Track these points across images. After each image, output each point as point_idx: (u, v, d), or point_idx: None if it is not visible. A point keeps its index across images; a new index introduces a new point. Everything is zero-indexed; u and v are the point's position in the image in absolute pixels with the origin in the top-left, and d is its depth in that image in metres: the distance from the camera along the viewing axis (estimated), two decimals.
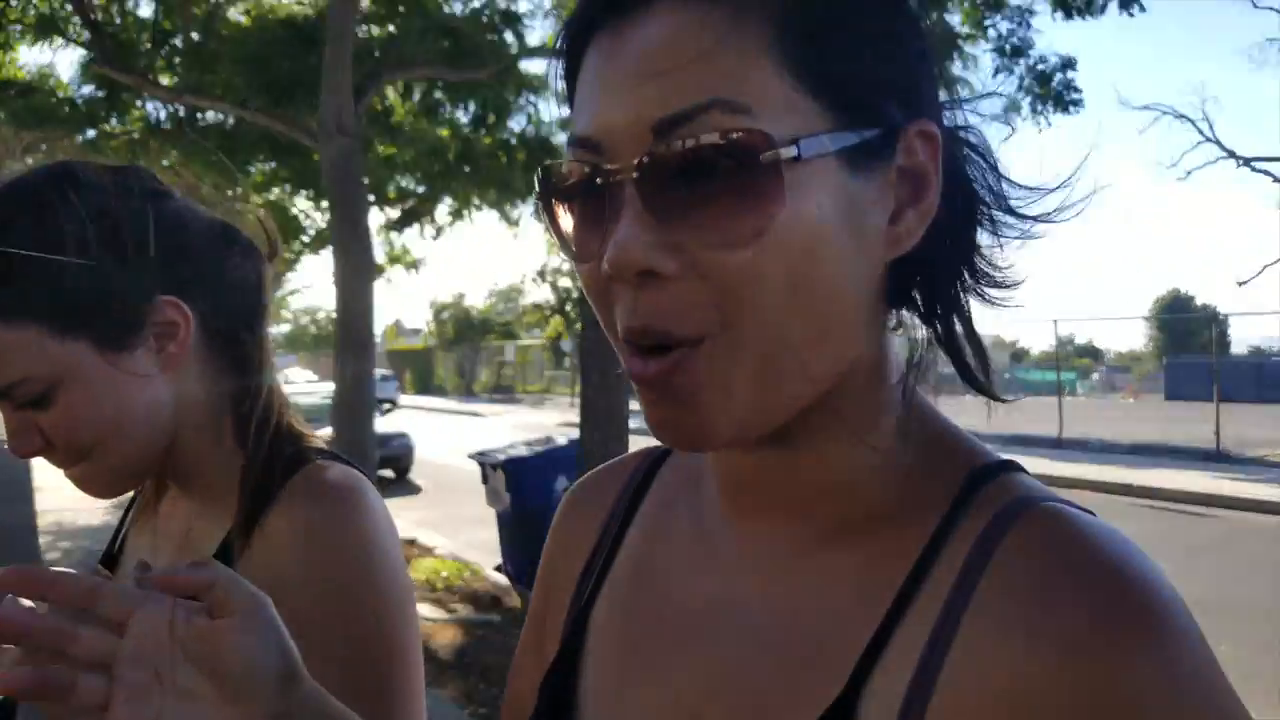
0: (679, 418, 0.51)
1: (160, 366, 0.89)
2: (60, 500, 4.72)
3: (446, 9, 9.07)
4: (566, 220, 0.54)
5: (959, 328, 0.56)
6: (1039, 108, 8.09)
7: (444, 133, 9.87)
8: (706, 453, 0.62)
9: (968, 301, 0.56)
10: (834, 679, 0.49)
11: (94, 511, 8.45)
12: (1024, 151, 0.59)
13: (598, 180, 0.50)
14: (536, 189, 0.56)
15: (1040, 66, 8.09)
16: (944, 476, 0.53)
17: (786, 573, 0.55)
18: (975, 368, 0.57)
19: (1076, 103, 8.09)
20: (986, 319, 0.58)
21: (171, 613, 0.55)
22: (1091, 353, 69.99)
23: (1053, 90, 8.05)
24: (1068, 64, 8.13)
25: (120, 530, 1.08)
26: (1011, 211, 0.56)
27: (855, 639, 0.50)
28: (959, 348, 0.56)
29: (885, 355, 0.56)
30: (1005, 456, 0.55)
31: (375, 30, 8.94)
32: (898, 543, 0.52)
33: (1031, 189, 0.56)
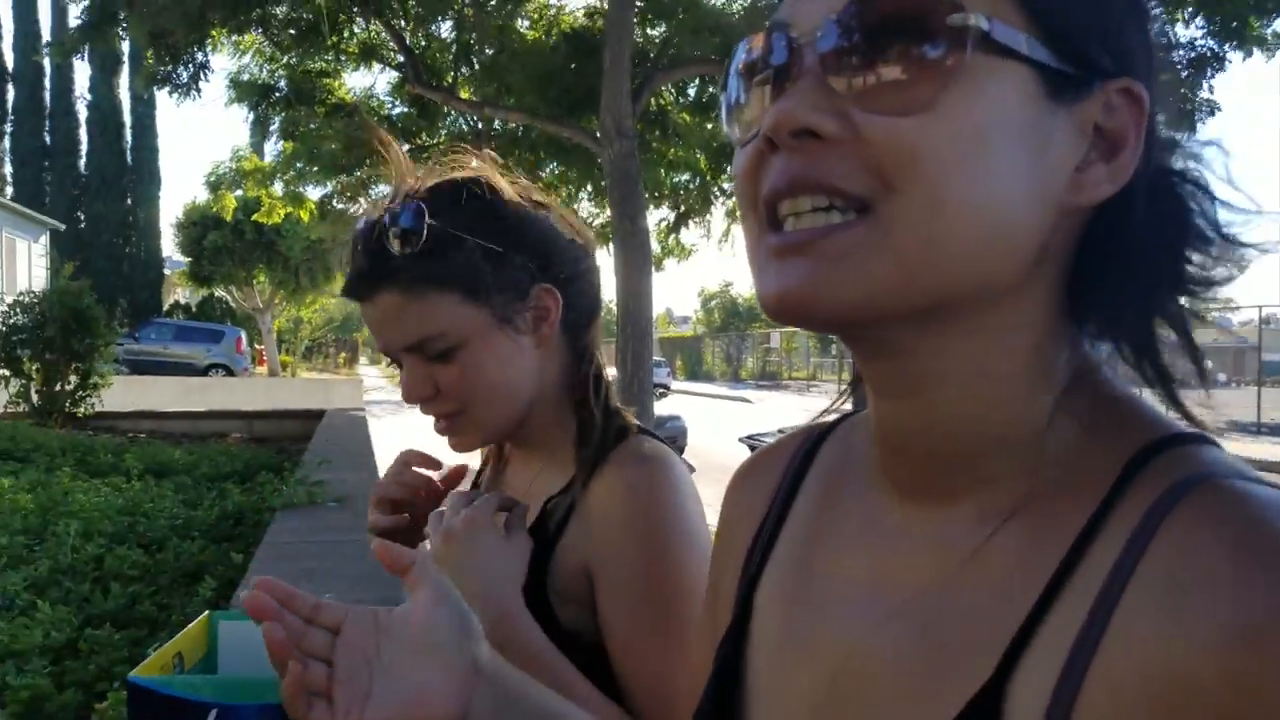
0: (813, 286, 0.47)
1: (533, 344, 1.04)
2: None
3: (717, 4, 9.31)
4: (742, 99, 0.53)
5: (1158, 331, 0.52)
6: None
7: (717, 130, 10.13)
8: (861, 423, 0.63)
9: (1171, 302, 0.52)
10: (982, 665, 0.46)
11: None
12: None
13: (777, 52, 0.49)
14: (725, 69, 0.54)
15: None
16: (1116, 446, 0.49)
17: (942, 550, 0.53)
18: (1183, 375, 0.52)
19: None
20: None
21: (374, 612, 0.66)
22: None
23: None
24: None
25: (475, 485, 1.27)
26: (1223, 236, 0.51)
27: (1007, 622, 0.47)
28: (1152, 357, 0.52)
29: (1051, 311, 0.51)
30: (1193, 430, 0.50)
31: (650, 31, 9.33)
32: (1058, 517, 0.48)
33: (1247, 211, 0.51)
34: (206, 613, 1.13)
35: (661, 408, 12.72)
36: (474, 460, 1.20)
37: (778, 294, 0.49)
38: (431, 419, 1.07)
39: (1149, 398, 0.53)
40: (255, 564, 2.86)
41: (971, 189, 0.46)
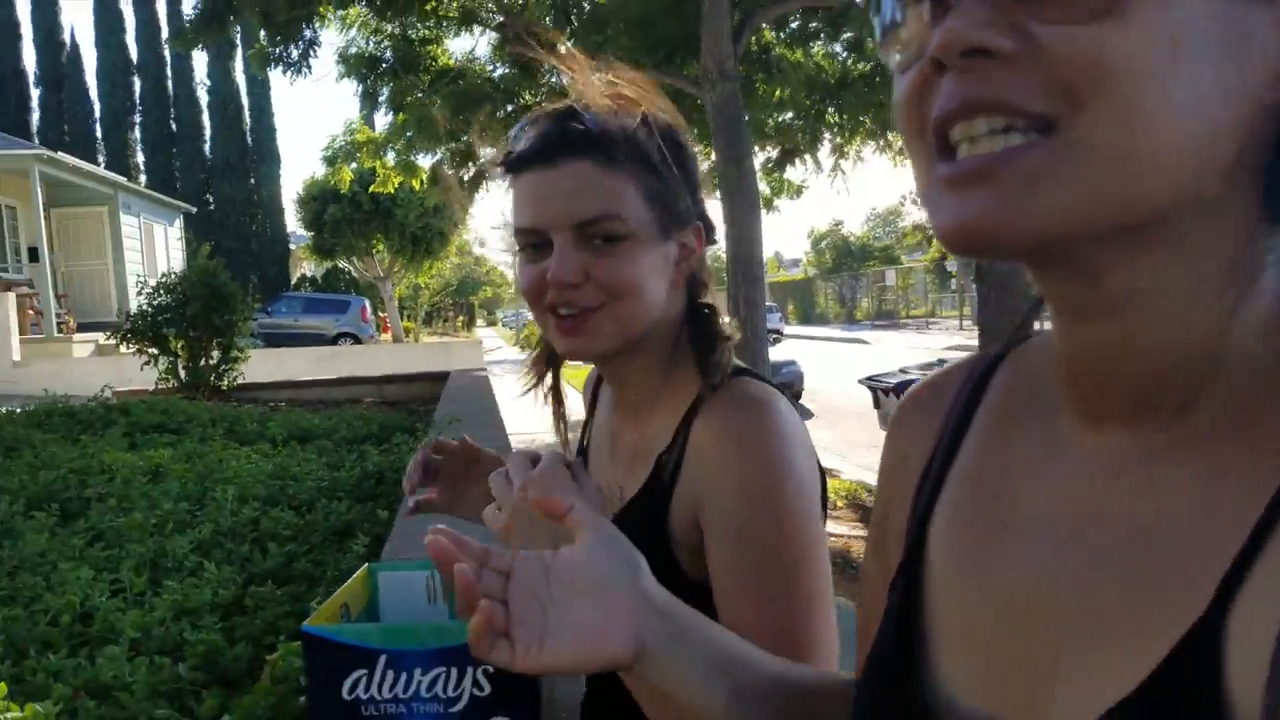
0: (998, 214, 0.44)
1: (673, 273, 1.04)
2: (517, 426, 5.56)
3: None
4: (898, 18, 0.50)
5: None
6: None
7: (821, 63, 9.86)
8: (1043, 347, 0.59)
9: None
10: (1193, 599, 0.44)
11: (549, 432, 9.76)
12: None
13: None
14: None
15: None
16: None
17: (1135, 479, 0.50)
18: None
19: None
20: None
21: (541, 555, 0.67)
22: None
23: None
24: None
25: (582, 449, 1.27)
26: None
27: (1218, 553, 0.44)
28: None
29: (1251, 220, 0.47)
30: None
31: None
32: (1264, 444, 0.45)
33: None
34: (366, 565, 1.20)
35: (775, 353, 12.63)
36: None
37: (957, 226, 0.46)
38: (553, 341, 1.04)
39: None
40: (399, 520, 2.99)
41: (1167, 98, 0.42)
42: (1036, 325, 0.62)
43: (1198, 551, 0.46)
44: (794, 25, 9.84)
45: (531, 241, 1.02)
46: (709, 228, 1.09)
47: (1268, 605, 0.42)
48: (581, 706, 1.22)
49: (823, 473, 1.03)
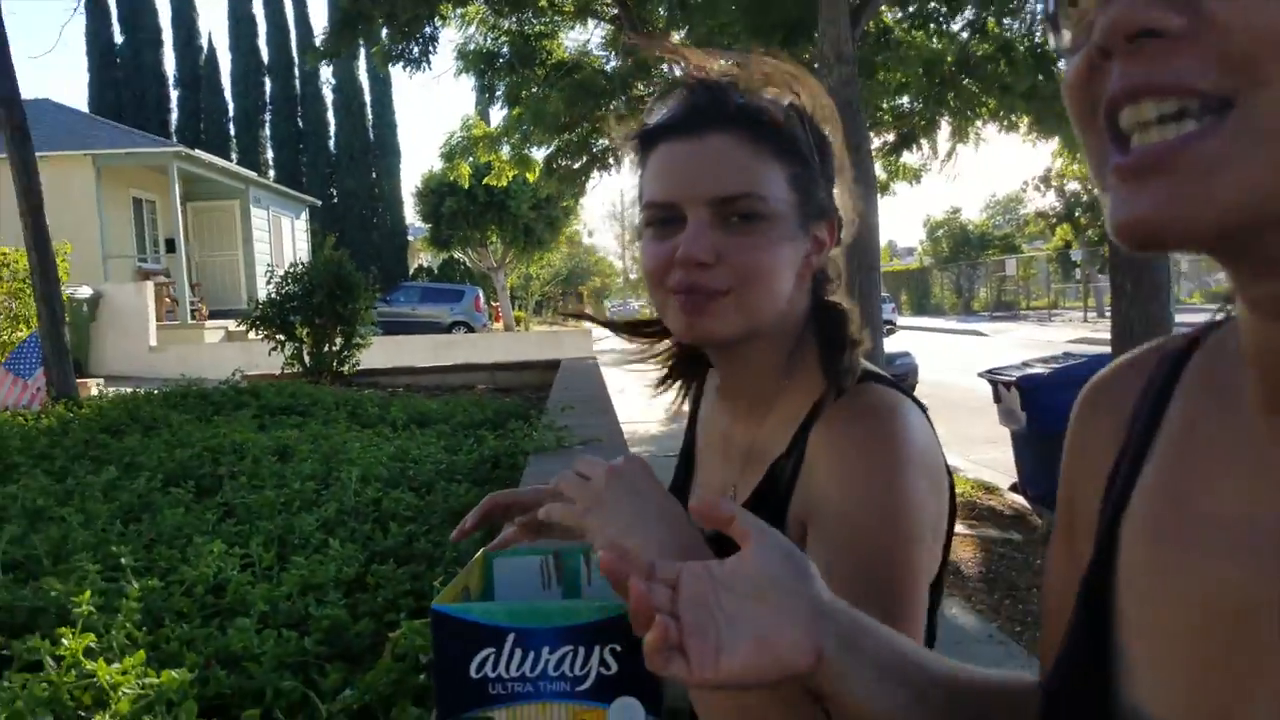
0: (1175, 208, 0.42)
1: (803, 266, 0.98)
2: (628, 414, 5.56)
3: None
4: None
5: None
6: None
7: (941, 44, 9.56)
8: (1239, 341, 0.55)
9: None
10: None
11: (655, 423, 9.78)
12: None
13: None
14: None
15: None
16: None
17: None
18: None
19: None
20: None
21: (707, 565, 0.65)
22: None
23: None
24: None
25: (689, 446, 1.21)
26: None
27: None
28: None
29: None
30: None
31: None
32: None
33: None
34: (481, 552, 1.20)
35: (889, 345, 12.36)
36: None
37: (1127, 223, 0.43)
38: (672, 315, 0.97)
39: None
40: None
41: None
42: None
43: None
44: (912, 8, 9.57)
45: (661, 216, 0.96)
46: (841, 223, 1.02)
47: None
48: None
49: (952, 487, 0.96)
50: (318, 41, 9.73)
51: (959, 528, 6.17)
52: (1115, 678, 0.56)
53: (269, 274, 9.81)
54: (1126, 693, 0.55)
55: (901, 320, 33.27)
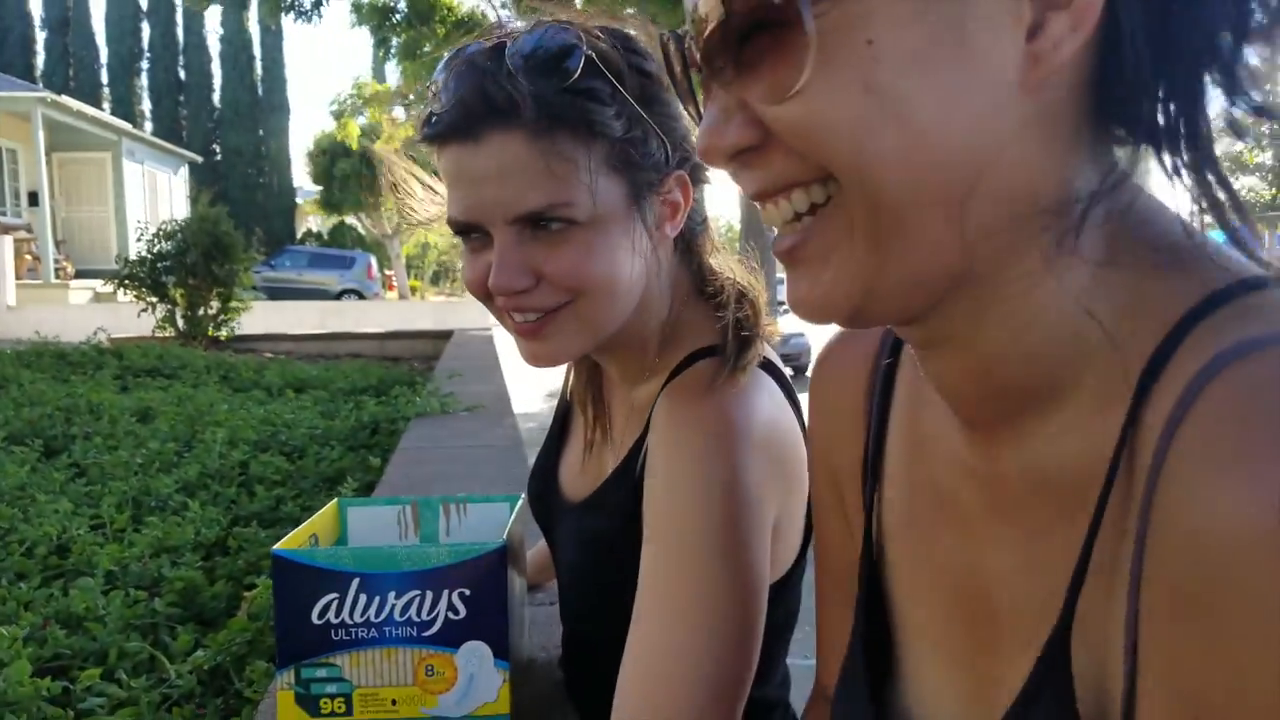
0: (809, 289, 0.46)
1: (654, 241, 0.87)
2: (516, 384, 5.48)
3: None
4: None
5: (1187, 157, 0.42)
6: None
7: None
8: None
9: (1202, 126, 0.42)
10: (1057, 585, 0.45)
11: (544, 393, 9.70)
12: None
13: (680, 62, 0.49)
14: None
15: None
16: (1157, 314, 0.42)
17: (1006, 475, 0.50)
18: (1226, 207, 0.42)
19: None
20: None
21: None
22: None
23: None
24: None
25: (565, 408, 1.13)
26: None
27: (1071, 539, 0.44)
28: (1201, 179, 0.42)
29: (1067, 173, 0.44)
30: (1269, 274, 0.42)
31: None
32: (1106, 416, 0.43)
33: None
34: (336, 499, 1.14)
35: (784, 325, 12.53)
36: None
37: (792, 305, 0.48)
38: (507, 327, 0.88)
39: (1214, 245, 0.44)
40: (391, 467, 2.92)
41: (898, 149, 0.41)
42: None
43: (1055, 540, 0.46)
44: None
45: (467, 233, 0.85)
46: (696, 169, 0.90)
47: (1108, 585, 0.42)
48: (560, 662, 1.14)
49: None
50: None
51: None
52: (893, 671, 0.59)
53: (140, 232, 9.31)
54: (904, 685, 0.58)
55: None
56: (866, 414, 0.63)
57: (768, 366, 0.88)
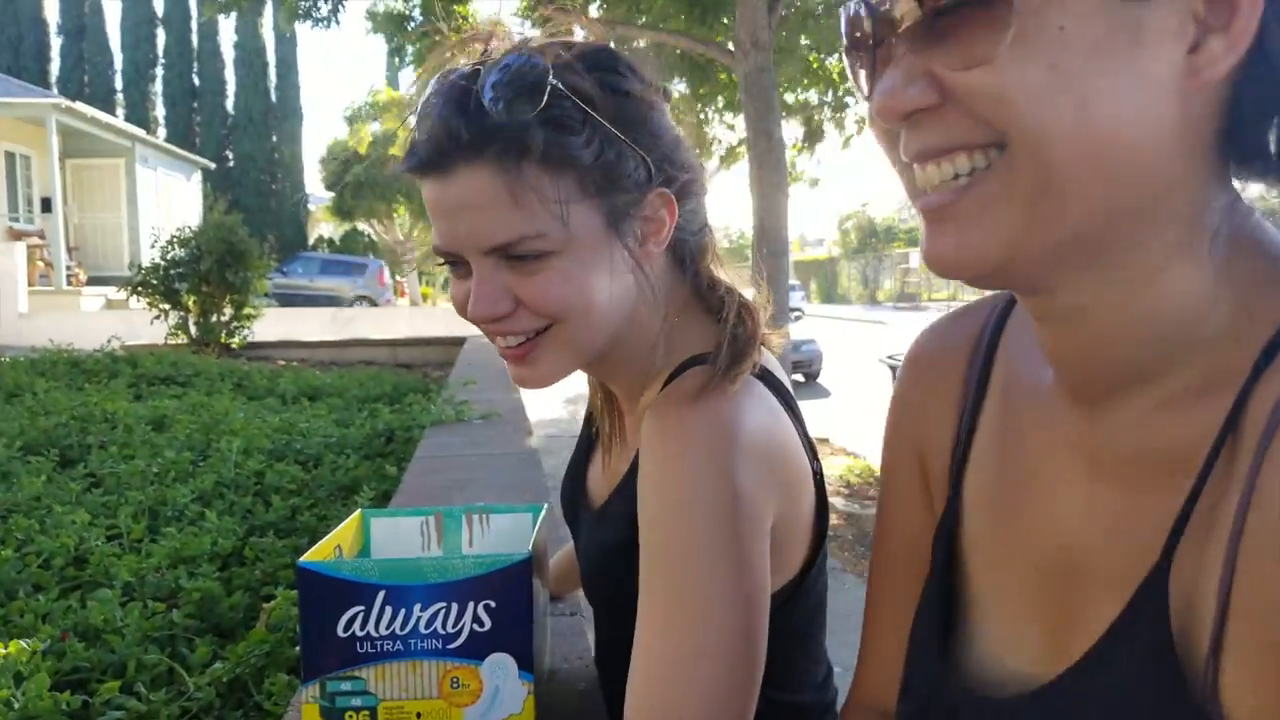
0: (955, 244, 0.50)
1: (637, 259, 0.87)
2: (532, 393, 5.48)
3: None
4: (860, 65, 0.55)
5: None
6: None
7: None
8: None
9: None
10: (1151, 549, 0.50)
11: (560, 402, 9.68)
12: None
13: (870, 28, 0.52)
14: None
15: None
16: (1271, 311, 0.49)
17: (1115, 446, 0.54)
18: None
19: None
20: None
21: None
22: None
23: None
24: None
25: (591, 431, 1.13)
26: None
27: (1170, 507, 0.50)
28: None
29: (1203, 187, 0.50)
30: None
31: None
32: (1217, 397, 0.49)
33: None
34: (359, 510, 1.14)
35: (796, 331, 12.52)
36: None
37: (930, 258, 0.52)
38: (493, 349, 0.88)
39: None
40: (408, 476, 2.91)
41: (1073, 123, 0.46)
42: None
43: (1155, 505, 0.51)
44: None
45: (450, 261, 0.87)
46: (687, 183, 0.89)
47: (1207, 552, 0.47)
48: (596, 662, 1.14)
49: (820, 476, 0.89)
50: None
51: (851, 506, 6.28)
52: (967, 629, 0.63)
53: (154, 238, 9.34)
54: (979, 642, 0.62)
55: (810, 308, 33.92)
56: (963, 397, 0.68)
57: (764, 376, 0.87)
